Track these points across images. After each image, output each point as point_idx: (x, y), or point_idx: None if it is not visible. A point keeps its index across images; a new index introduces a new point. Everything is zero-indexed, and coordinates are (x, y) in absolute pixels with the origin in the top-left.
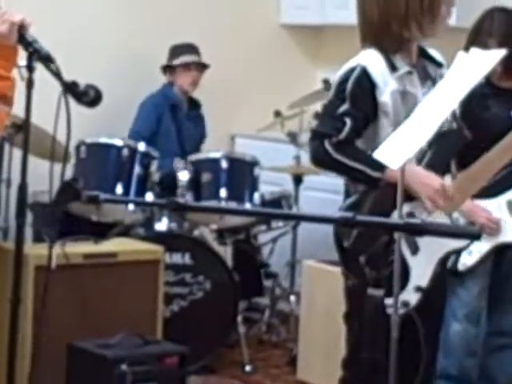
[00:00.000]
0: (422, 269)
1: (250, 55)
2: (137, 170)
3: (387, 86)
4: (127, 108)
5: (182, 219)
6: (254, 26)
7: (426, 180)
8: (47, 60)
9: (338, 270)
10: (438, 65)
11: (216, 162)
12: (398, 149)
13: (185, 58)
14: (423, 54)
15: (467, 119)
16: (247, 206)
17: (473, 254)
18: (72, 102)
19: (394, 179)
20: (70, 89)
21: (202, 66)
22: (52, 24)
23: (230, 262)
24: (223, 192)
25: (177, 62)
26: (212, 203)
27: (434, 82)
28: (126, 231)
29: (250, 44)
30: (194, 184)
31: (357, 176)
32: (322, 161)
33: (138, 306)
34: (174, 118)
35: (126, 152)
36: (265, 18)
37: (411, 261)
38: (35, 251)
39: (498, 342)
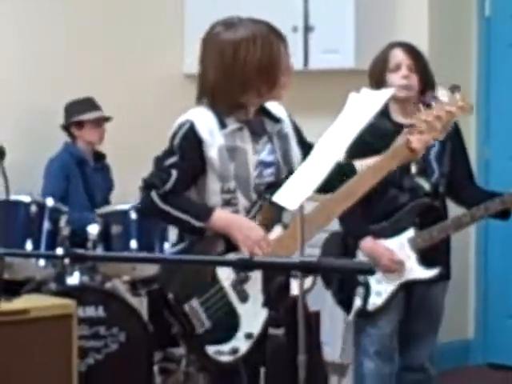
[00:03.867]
0: (252, 316)
1: (154, 106)
2: (46, 225)
3: (214, 142)
4: (32, 164)
5: (94, 272)
6: (157, 76)
7: (246, 230)
8: None
9: None
10: (276, 121)
11: (125, 213)
12: (296, 190)
13: (94, 114)
14: (263, 111)
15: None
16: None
17: (382, 294)
18: None
19: (216, 229)
20: None
21: (105, 120)
22: None
23: (145, 312)
24: (133, 243)
25: (86, 117)
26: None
27: (270, 137)
28: (37, 287)
29: (153, 95)
30: (104, 237)
31: (182, 225)
32: (148, 210)
33: (53, 362)
34: (81, 174)
35: (34, 208)
36: (168, 69)
37: (240, 308)
38: None
39: (410, 377)
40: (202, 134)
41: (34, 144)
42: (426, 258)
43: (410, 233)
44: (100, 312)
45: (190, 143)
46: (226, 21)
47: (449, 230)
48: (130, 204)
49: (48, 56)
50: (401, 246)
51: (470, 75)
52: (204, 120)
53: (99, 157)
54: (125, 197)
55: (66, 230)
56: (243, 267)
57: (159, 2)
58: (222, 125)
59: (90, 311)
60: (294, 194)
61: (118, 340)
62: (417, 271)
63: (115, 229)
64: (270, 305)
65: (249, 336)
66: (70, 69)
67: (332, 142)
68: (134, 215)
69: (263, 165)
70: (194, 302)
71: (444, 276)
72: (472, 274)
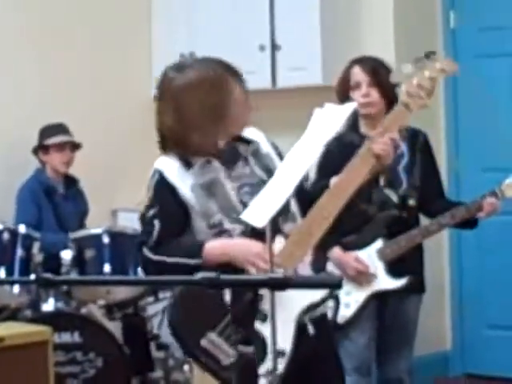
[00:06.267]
0: (279, 333)
1: (125, 130)
2: (19, 252)
3: (185, 184)
4: (2, 192)
5: (69, 298)
6: (128, 100)
7: (244, 247)
8: None
9: None
10: (248, 142)
11: (98, 237)
12: (263, 207)
13: (58, 138)
14: (233, 137)
15: (327, 170)
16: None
17: (350, 305)
18: None
19: (214, 259)
20: None
21: (74, 146)
22: None
23: (119, 336)
24: (107, 267)
25: (49, 141)
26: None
27: (246, 159)
28: (13, 315)
29: (125, 118)
30: (78, 261)
31: (181, 270)
32: (146, 266)
33: None
34: (50, 201)
35: (6, 236)
36: (138, 93)
37: (263, 329)
38: None
39: None
40: (171, 181)
41: (8, 170)
42: (396, 269)
43: (379, 244)
44: (76, 337)
45: (163, 192)
46: (178, 64)
47: (416, 239)
48: (102, 228)
49: (22, 82)
50: (369, 257)
51: (437, 87)
52: (170, 166)
53: (71, 182)
54: (98, 220)
55: (39, 257)
56: (211, 286)
57: (127, 31)
58: (188, 165)
59: (66, 337)
60: (261, 212)
61: (95, 365)
62: (384, 282)
63: (88, 253)
64: (238, 323)
65: (281, 354)
66: (44, 95)
67: (298, 158)
68: (106, 239)
69: (248, 187)
70: (212, 335)
71: (418, 289)
72: (447, 284)
